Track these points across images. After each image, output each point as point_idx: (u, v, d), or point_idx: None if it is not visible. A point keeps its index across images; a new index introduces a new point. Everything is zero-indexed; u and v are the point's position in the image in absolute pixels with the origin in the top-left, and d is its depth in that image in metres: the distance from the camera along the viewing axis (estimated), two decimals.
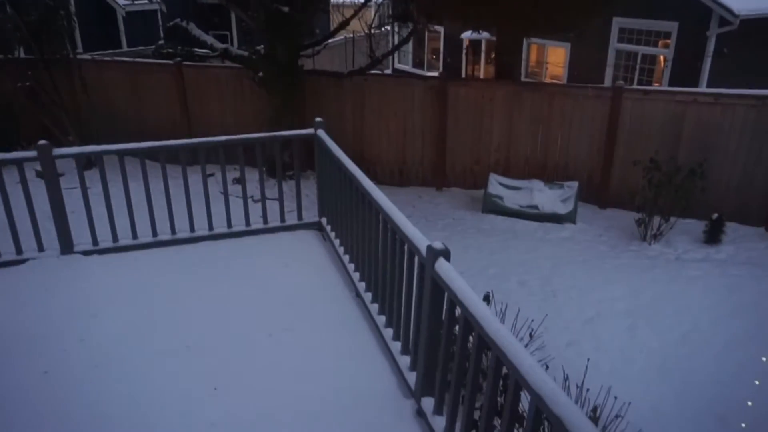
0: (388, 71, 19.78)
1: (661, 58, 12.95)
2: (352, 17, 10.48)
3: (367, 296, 4.24)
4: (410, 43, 18.43)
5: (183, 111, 10.52)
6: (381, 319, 3.97)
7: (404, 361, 3.57)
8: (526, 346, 4.90)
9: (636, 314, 6.17)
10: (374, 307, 4.10)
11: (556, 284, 6.74)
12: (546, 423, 2.50)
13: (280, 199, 5.46)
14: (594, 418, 3.94)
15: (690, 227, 8.57)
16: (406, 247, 3.41)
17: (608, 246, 8.04)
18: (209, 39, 10.49)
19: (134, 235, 5.16)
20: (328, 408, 3.29)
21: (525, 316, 5.68)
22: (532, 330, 4.91)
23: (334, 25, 12.11)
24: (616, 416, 4.01)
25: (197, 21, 11.58)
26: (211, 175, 6.27)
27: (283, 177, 5.72)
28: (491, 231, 8.28)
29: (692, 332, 5.85)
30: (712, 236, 8.07)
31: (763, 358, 5.38)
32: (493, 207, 8.80)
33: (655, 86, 12.62)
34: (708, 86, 11.62)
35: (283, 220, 5.55)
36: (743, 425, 4.66)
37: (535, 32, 13.13)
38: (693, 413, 4.79)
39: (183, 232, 5.25)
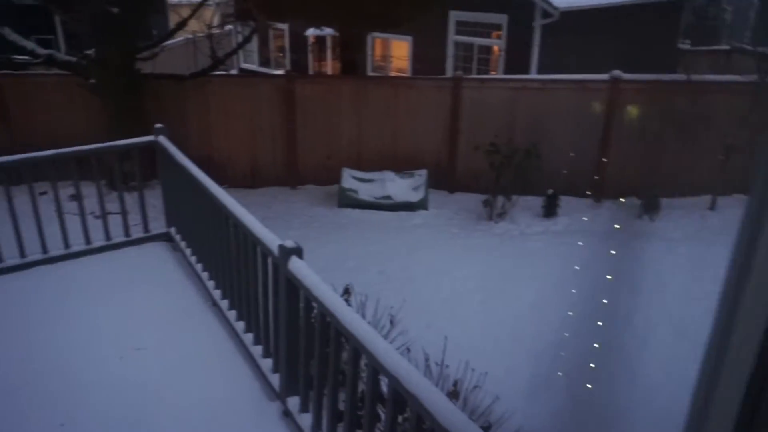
0: (234, 71, 19.30)
1: (496, 48, 13.82)
2: (189, 17, 10.10)
3: (224, 304, 4.15)
4: (255, 42, 18.10)
5: (3, 125, 9.56)
6: (240, 325, 3.90)
7: (266, 364, 3.55)
8: (387, 333, 5.05)
9: (488, 289, 6.59)
10: (232, 314, 4.02)
11: (413, 269, 7.01)
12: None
13: (123, 213, 5.16)
14: (454, 392, 4.17)
15: (530, 203, 9.28)
16: (258, 249, 3.38)
17: (459, 228, 8.49)
18: (29, 44, 9.60)
19: None
20: (193, 422, 3.19)
21: (386, 304, 5.86)
22: (392, 317, 5.08)
23: (172, 25, 11.60)
24: (474, 387, 4.26)
25: (13, 25, 10.55)
26: (44, 193, 5.77)
27: (126, 188, 5.40)
28: (348, 225, 8.41)
29: (538, 299, 6.37)
30: (549, 210, 8.80)
31: (599, 323, 5.99)
32: (349, 201, 8.94)
33: (492, 75, 13.47)
34: (538, 73, 12.60)
35: (128, 234, 5.25)
36: (588, 385, 5.17)
37: (374, 27, 13.45)
38: (543, 370, 5.22)
39: (13, 259, 4.79)
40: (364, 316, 5.08)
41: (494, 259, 7.32)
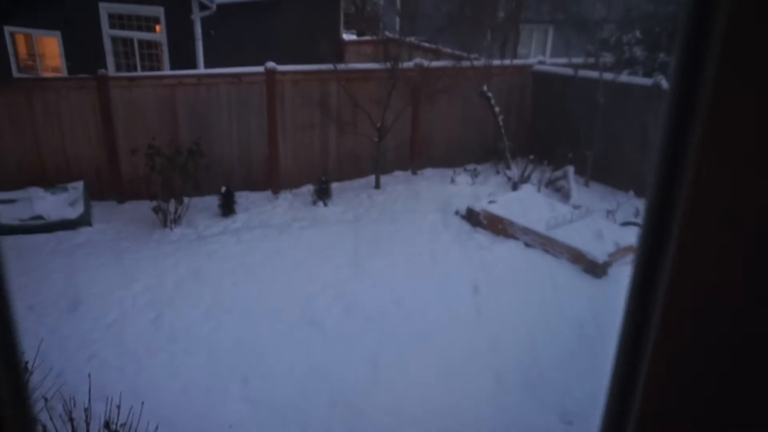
0: None
1: (158, 42, 13.00)
2: None
3: None
4: None
5: None
6: None
7: None
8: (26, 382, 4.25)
9: (160, 303, 6.09)
10: None
11: (71, 297, 6.13)
12: None
13: None
14: None
15: (207, 204, 8.93)
16: None
17: (130, 241, 7.75)
18: None
19: None
20: None
21: (34, 345, 4.98)
22: (27, 362, 4.27)
23: None
24: (122, 425, 3.78)
25: None
26: None
27: None
28: None
29: (213, 305, 6.08)
30: (226, 208, 8.57)
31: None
32: None
33: (160, 72, 12.65)
34: (205, 66, 12.19)
35: None
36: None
37: None
38: (219, 381, 4.96)
39: None
40: None
41: (168, 269, 6.82)
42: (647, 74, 10.81)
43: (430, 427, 4.59)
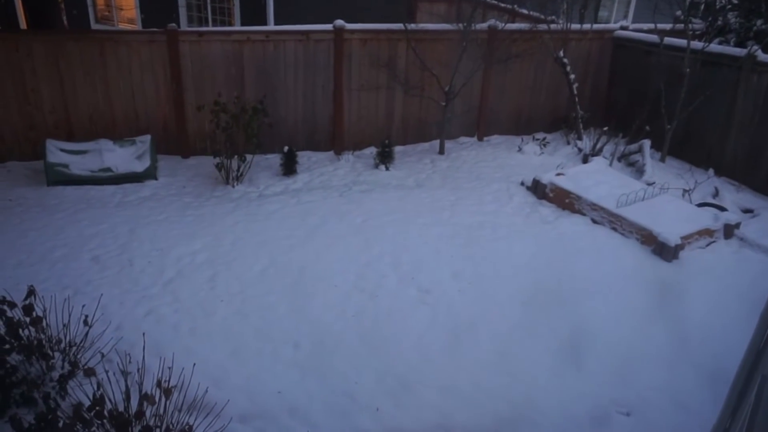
0: None
1: None
2: None
3: None
4: None
5: None
6: None
7: None
8: (80, 343, 4.37)
9: (217, 262, 6.14)
10: None
11: (134, 251, 6.27)
12: None
13: None
14: (150, 398, 3.67)
15: (270, 162, 8.95)
16: None
17: (193, 196, 7.85)
18: None
19: None
20: None
21: (96, 297, 5.13)
22: (86, 317, 4.37)
23: None
24: (171, 387, 3.80)
25: None
26: None
27: None
28: (59, 206, 7.28)
29: (269, 266, 6.08)
30: (288, 168, 8.54)
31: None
32: (59, 177, 7.74)
33: (229, 27, 12.66)
34: (275, 23, 12.10)
35: None
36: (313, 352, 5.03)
37: None
38: (271, 345, 4.97)
39: None
40: (48, 325, 4.33)
41: (227, 228, 6.86)
42: (740, 43, 9.99)
43: (480, 408, 4.46)
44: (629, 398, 4.67)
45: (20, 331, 4.06)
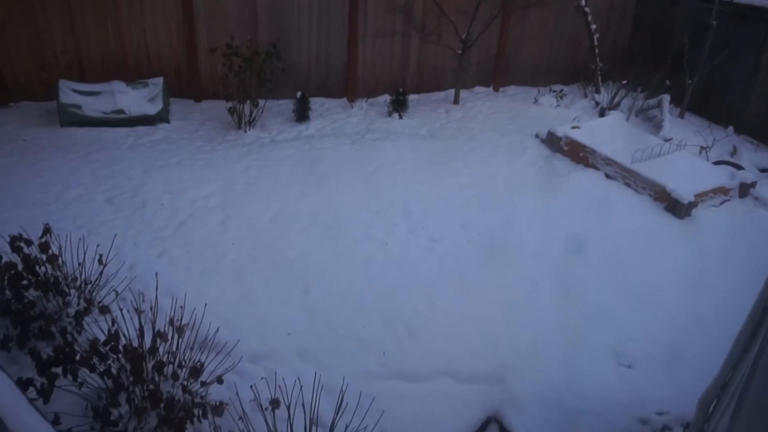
0: None
1: None
2: None
3: None
4: None
5: None
6: None
7: None
8: (95, 281, 4.46)
9: (229, 206, 6.18)
10: None
11: (147, 193, 6.32)
12: None
13: None
14: (163, 335, 3.77)
15: (282, 108, 8.88)
16: None
17: (205, 140, 7.84)
18: None
19: None
20: None
21: (110, 237, 5.21)
22: (101, 256, 4.46)
23: None
24: (184, 325, 3.89)
25: None
26: None
27: None
28: (72, 146, 7.30)
29: (280, 212, 6.13)
30: (300, 114, 8.49)
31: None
32: (72, 118, 7.74)
33: None
34: None
35: None
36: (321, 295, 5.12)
37: None
38: (281, 289, 5.05)
39: None
40: (64, 263, 4.42)
41: (239, 172, 6.88)
42: None
43: (485, 357, 4.54)
44: (631, 351, 4.73)
45: (37, 267, 4.15)
